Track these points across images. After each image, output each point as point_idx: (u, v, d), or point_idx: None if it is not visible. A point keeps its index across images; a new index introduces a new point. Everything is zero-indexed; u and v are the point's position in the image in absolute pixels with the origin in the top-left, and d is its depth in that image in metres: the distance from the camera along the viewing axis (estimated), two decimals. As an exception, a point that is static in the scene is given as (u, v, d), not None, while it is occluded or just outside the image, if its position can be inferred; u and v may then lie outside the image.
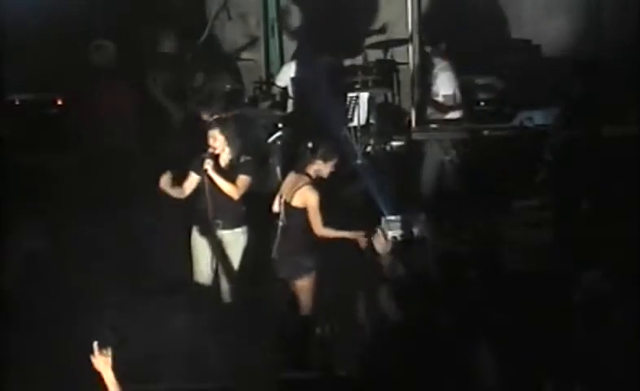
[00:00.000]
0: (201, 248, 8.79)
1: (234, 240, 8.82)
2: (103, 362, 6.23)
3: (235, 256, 8.83)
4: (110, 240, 9.84)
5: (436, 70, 11.44)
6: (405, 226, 10.68)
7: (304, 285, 8.69)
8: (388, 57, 13.05)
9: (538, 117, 11.10)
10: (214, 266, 8.84)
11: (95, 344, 6.26)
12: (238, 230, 8.86)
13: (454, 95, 11.44)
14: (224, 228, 8.80)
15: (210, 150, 8.72)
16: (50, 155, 10.90)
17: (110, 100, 10.44)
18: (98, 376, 6.21)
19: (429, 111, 11.57)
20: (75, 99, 10.91)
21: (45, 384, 8.00)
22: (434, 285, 7.69)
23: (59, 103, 11.38)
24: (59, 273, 9.52)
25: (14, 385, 7.91)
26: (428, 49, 11.53)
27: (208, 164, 8.64)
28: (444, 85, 11.40)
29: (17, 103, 11.41)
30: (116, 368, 6.25)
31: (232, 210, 8.79)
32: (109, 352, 6.27)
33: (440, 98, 11.42)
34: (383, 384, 6.60)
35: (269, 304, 9.05)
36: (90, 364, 6.31)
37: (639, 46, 11.33)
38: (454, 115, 11.47)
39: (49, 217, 10.24)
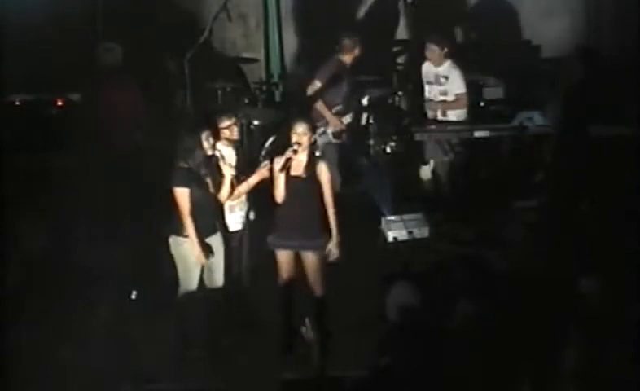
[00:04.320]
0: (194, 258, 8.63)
1: (218, 245, 8.73)
2: None
3: (220, 260, 8.75)
4: (111, 242, 9.86)
5: (442, 69, 11.35)
6: (405, 226, 10.71)
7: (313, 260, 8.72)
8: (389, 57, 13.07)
9: (538, 117, 11.09)
10: (201, 273, 8.69)
11: None
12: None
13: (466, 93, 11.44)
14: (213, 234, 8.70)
15: (217, 153, 8.61)
16: (50, 156, 10.92)
17: (118, 101, 10.47)
18: None
19: (431, 112, 11.48)
20: (83, 101, 10.97)
21: (45, 384, 8.00)
22: (433, 285, 7.71)
23: (60, 103, 11.39)
24: (59, 274, 9.54)
25: (14, 385, 7.90)
26: (433, 48, 11.37)
27: (231, 171, 8.60)
28: (457, 83, 11.34)
29: (17, 103, 11.42)
30: None
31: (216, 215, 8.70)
32: None
33: (450, 97, 11.35)
34: (384, 384, 6.60)
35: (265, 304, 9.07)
36: (90, 363, 6.30)
37: (639, 47, 11.33)
38: (461, 115, 11.43)
39: (49, 217, 10.26)
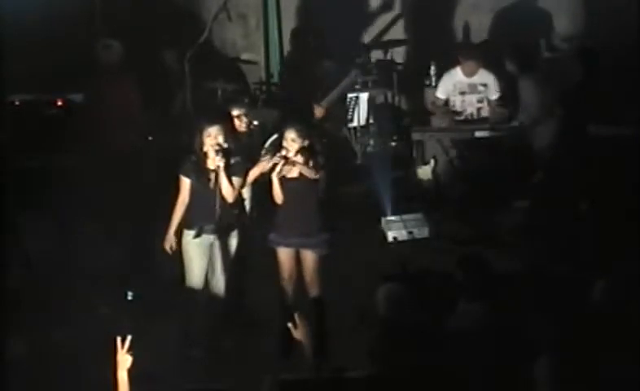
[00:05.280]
0: (195, 253, 8.62)
1: (227, 243, 8.70)
2: (124, 360, 6.15)
3: (228, 258, 8.72)
4: (111, 242, 9.87)
5: (477, 78, 11.42)
6: (405, 226, 10.72)
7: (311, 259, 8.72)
8: (388, 57, 13.06)
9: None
10: (206, 272, 8.65)
11: (128, 339, 6.15)
12: (232, 233, 8.75)
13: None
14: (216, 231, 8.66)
15: (216, 148, 8.54)
16: (50, 156, 10.92)
17: (117, 100, 10.47)
18: (112, 371, 6.13)
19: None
20: (83, 100, 10.98)
21: (45, 385, 8.01)
22: (432, 285, 7.70)
23: (59, 103, 11.40)
24: (60, 275, 9.54)
25: (14, 385, 7.91)
26: (471, 64, 11.44)
27: (221, 162, 8.51)
28: (493, 89, 11.49)
29: (17, 103, 11.42)
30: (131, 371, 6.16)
31: (227, 213, 8.66)
32: (130, 354, 6.17)
33: (485, 104, 11.45)
34: (383, 384, 6.60)
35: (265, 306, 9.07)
36: (90, 364, 6.28)
37: (638, 47, 11.33)
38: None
39: (48, 217, 10.27)
